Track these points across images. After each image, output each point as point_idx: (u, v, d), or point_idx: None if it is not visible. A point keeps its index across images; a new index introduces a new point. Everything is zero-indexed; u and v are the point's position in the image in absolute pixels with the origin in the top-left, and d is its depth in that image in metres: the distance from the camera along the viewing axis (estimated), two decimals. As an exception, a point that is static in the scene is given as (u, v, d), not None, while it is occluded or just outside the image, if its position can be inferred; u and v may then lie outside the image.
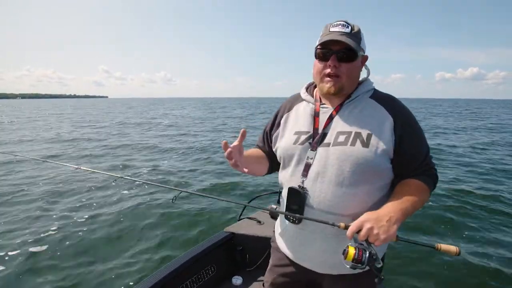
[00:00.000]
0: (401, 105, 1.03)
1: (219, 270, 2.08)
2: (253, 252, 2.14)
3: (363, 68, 1.08)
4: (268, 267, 1.26)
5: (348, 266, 0.86)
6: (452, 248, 0.85)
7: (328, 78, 1.01)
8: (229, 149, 0.94)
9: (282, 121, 1.17)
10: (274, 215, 2.30)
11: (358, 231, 0.87)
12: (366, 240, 0.86)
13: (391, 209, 0.90)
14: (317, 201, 1.00)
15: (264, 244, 2.01)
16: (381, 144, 0.96)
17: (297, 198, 1.02)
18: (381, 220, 0.86)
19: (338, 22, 1.00)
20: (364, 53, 1.04)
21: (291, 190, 1.04)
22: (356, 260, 0.84)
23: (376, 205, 0.97)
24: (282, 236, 1.17)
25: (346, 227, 0.89)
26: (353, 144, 0.97)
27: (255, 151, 1.25)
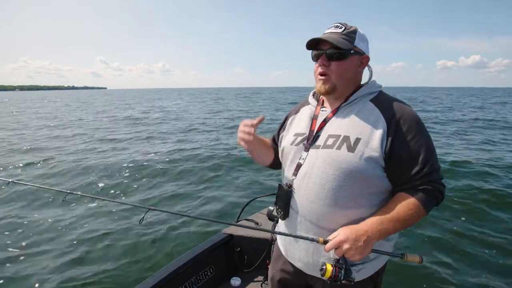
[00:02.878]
0: (402, 109, 0.97)
1: (217, 272, 2.07)
2: (251, 254, 2.14)
3: (367, 70, 1.07)
4: (271, 261, 1.29)
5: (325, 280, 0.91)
6: (416, 258, 0.92)
7: (320, 77, 1.03)
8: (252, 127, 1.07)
9: (288, 123, 1.23)
10: (271, 217, 2.32)
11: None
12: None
13: (370, 227, 0.90)
14: (301, 202, 1.02)
15: (262, 245, 2.03)
16: (368, 150, 0.92)
17: (283, 195, 1.05)
18: (358, 240, 0.88)
19: (333, 24, 1.03)
20: (362, 53, 1.02)
21: (279, 187, 1.08)
22: (333, 278, 0.89)
23: (364, 214, 0.95)
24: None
25: (325, 242, 0.92)
26: (339, 148, 0.95)
27: (269, 140, 1.31)
